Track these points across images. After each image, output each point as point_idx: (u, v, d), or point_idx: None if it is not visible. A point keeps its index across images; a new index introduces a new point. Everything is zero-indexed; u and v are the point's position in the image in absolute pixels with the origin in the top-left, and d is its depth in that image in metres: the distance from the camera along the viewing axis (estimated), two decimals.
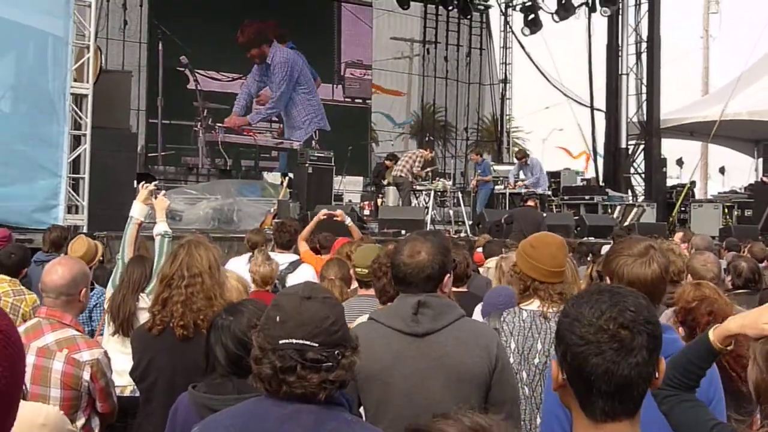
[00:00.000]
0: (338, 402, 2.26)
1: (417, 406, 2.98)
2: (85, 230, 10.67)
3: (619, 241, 3.06)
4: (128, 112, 14.33)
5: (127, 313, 4.83)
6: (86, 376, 3.79)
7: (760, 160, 24.88)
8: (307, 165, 15.99)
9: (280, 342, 2.18)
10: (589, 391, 1.72)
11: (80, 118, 11.66)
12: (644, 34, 23.07)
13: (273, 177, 22.39)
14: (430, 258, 3.10)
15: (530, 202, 15.47)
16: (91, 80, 11.77)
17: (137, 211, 5.34)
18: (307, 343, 2.17)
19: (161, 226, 5.21)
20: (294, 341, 2.18)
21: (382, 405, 3.07)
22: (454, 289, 5.22)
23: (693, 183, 21.94)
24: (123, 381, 4.45)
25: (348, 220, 8.47)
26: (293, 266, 6.90)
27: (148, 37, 21.34)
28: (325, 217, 8.44)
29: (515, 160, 19.58)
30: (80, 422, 3.82)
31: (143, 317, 4.73)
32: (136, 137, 15.76)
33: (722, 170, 24.44)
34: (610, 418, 1.72)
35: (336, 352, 2.19)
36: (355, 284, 5.42)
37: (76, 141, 11.66)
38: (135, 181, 11.81)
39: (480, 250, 9.12)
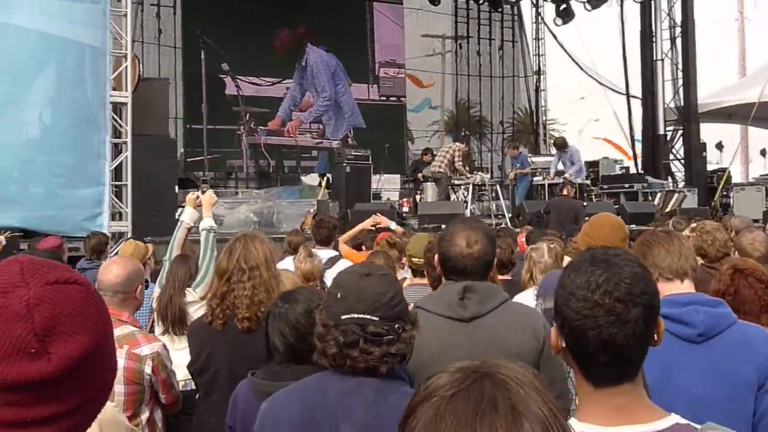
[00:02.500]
0: (399, 376, 2.30)
1: None
2: (129, 236, 10.80)
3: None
4: (167, 119, 14.46)
5: (176, 312, 4.89)
6: (148, 369, 3.87)
7: None
8: (344, 164, 16.05)
9: (342, 317, 2.23)
10: (588, 360, 1.74)
11: (120, 126, 11.80)
12: (678, 19, 22.83)
13: (311, 179, 22.52)
14: (485, 247, 3.05)
15: (565, 191, 15.39)
16: (129, 88, 11.91)
17: (188, 215, 5.41)
18: (368, 317, 2.22)
19: (207, 221, 5.25)
20: (355, 316, 2.22)
21: None
22: (500, 277, 5.24)
23: (729, 172, 21.61)
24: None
25: (392, 225, 8.29)
26: (331, 262, 6.79)
27: (183, 43, 21.57)
28: (373, 227, 8.07)
29: (553, 150, 19.48)
30: (145, 416, 3.91)
31: (192, 310, 4.80)
32: (175, 143, 15.91)
33: (763, 152, 24.04)
34: (611, 382, 1.74)
35: (396, 326, 2.24)
36: (403, 273, 5.44)
37: (117, 149, 11.79)
38: (176, 187, 11.97)
39: (523, 239, 9.07)
